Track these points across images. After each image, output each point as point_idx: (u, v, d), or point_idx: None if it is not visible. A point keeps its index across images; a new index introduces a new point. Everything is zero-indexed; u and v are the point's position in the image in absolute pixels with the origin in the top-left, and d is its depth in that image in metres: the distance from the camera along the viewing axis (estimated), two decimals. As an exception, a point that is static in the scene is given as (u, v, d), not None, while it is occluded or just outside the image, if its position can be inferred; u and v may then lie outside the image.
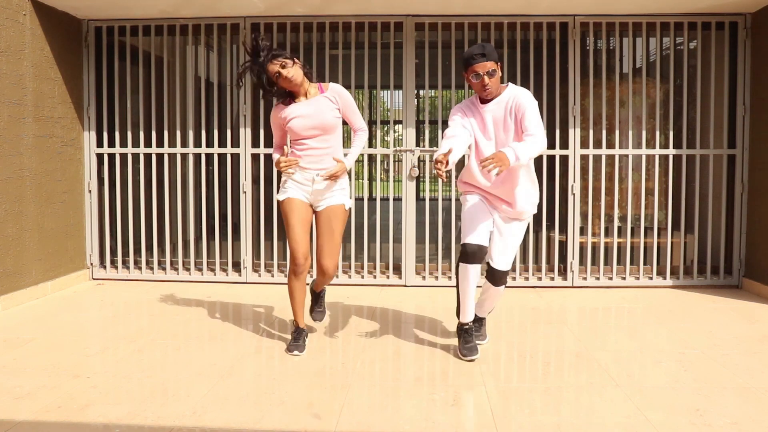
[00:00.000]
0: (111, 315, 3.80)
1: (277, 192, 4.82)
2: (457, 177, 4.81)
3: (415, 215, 4.76)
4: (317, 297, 3.38)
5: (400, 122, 5.21)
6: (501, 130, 2.84)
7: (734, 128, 4.58)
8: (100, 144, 4.82)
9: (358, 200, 7.25)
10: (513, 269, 4.75)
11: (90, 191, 4.81)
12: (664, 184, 4.78)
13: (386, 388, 2.59)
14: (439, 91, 4.86)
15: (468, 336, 3.00)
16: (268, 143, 4.78)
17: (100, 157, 4.84)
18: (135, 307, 4.01)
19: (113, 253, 4.98)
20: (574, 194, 4.61)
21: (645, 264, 4.77)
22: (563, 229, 4.76)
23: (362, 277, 4.76)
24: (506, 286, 4.66)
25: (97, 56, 4.78)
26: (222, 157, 5.26)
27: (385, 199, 5.14)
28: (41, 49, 4.24)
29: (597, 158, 4.67)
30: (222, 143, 5.11)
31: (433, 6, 4.36)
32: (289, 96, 3.02)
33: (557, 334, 3.40)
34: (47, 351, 3.05)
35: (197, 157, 4.96)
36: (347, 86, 6.09)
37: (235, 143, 4.82)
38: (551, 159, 4.71)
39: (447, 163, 2.59)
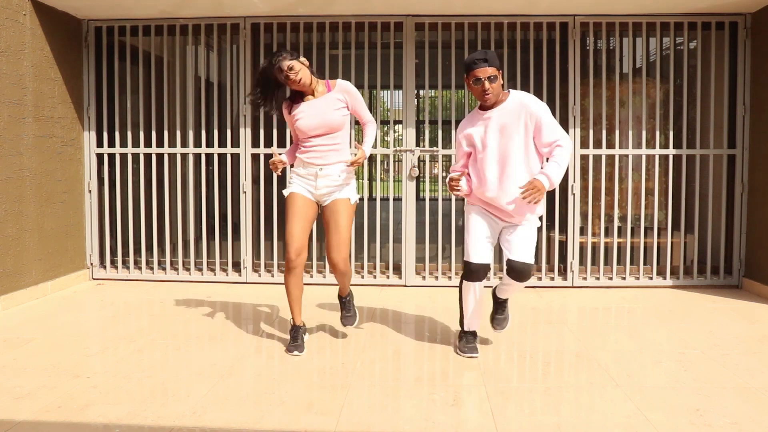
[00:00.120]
0: (111, 315, 3.80)
1: (277, 190, 4.83)
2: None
3: (415, 215, 4.76)
4: (343, 302, 3.31)
5: (400, 122, 5.21)
6: (504, 137, 2.80)
7: (734, 128, 4.58)
8: (100, 144, 4.82)
9: (359, 200, 7.24)
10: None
11: (90, 191, 4.81)
12: (664, 184, 4.78)
13: (386, 388, 2.59)
14: (439, 91, 4.86)
15: (471, 337, 3.03)
16: (268, 143, 4.78)
17: (100, 157, 4.84)
18: (135, 307, 4.01)
19: (113, 253, 4.99)
20: (574, 194, 4.61)
21: (645, 264, 4.77)
22: (563, 229, 4.76)
23: (362, 277, 4.76)
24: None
25: (97, 56, 4.78)
26: (222, 157, 5.26)
27: (385, 199, 5.13)
28: (41, 49, 4.24)
29: (597, 158, 4.67)
30: (222, 143, 5.11)
31: (433, 6, 4.36)
32: (298, 95, 3.04)
33: (557, 334, 3.40)
34: (47, 351, 3.05)
35: (197, 157, 4.96)
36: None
37: (235, 143, 4.82)
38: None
39: (458, 186, 2.92)
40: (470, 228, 2.93)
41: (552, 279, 4.67)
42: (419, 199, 5.27)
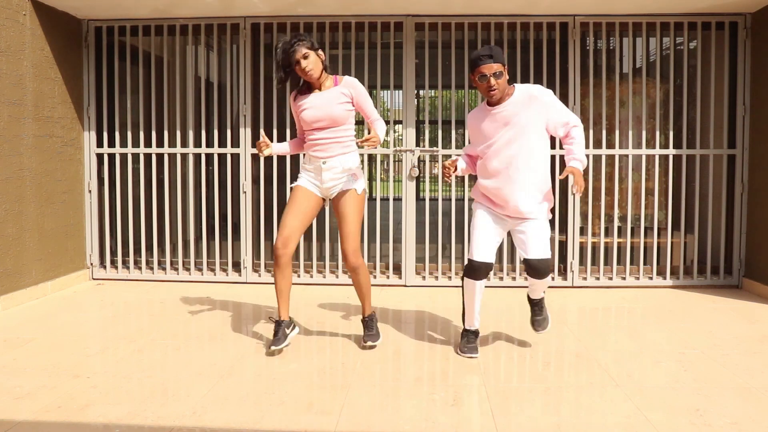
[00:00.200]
0: (111, 315, 3.80)
1: (277, 190, 4.83)
2: (460, 179, 4.81)
3: (415, 215, 4.76)
4: (364, 322, 3.20)
5: (400, 122, 5.21)
6: (513, 131, 2.80)
7: (734, 128, 4.58)
8: (100, 144, 4.82)
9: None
10: (509, 268, 4.76)
11: (90, 191, 4.81)
12: (664, 184, 4.78)
13: (386, 388, 2.59)
14: (439, 91, 4.86)
15: (472, 336, 3.03)
16: (268, 143, 4.77)
17: (100, 157, 4.84)
18: (135, 307, 4.01)
19: (113, 253, 4.99)
20: (573, 194, 4.61)
21: (645, 264, 4.77)
22: (563, 229, 4.76)
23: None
24: (508, 286, 4.67)
25: (97, 56, 4.78)
26: (222, 157, 5.26)
27: (385, 199, 5.13)
28: (41, 49, 4.24)
29: (597, 158, 4.67)
30: (222, 143, 5.11)
31: (433, 6, 4.36)
32: (305, 85, 3.05)
33: (557, 334, 3.40)
34: (47, 351, 3.05)
35: (197, 157, 4.96)
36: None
37: (235, 143, 4.82)
38: (551, 159, 4.71)
39: (455, 168, 2.98)
40: (476, 226, 2.94)
41: (552, 279, 4.67)
42: (419, 199, 5.27)
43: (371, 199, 4.99)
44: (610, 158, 4.71)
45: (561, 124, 2.82)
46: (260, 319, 3.69)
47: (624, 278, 4.68)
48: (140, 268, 4.88)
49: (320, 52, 2.98)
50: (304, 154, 3.16)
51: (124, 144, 4.88)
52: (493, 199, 2.90)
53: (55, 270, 4.43)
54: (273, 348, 2.97)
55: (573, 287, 4.63)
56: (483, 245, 2.89)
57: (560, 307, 4.07)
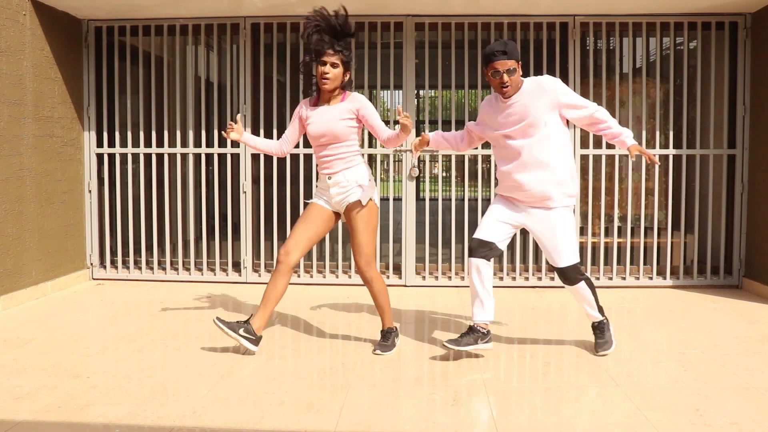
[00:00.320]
0: (111, 315, 3.80)
1: (277, 190, 4.83)
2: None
3: (415, 215, 4.76)
4: (382, 333, 3.14)
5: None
6: (526, 121, 2.81)
7: (734, 128, 4.58)
8: (100, 144, 4.82)
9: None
10: (509, 268, 4.75)
11: (90, 191, 4.81)
12: (664, 184, 4.78)
13: (386, 388, 2.59)
14: (439, 91, 4.86)
15: (468, 331, 2.90)
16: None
17: (100, 157, 4.84)
18: (135, 307, 4.01)
19: (113, 253, 4.98)
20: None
21: (645, 264, 4.77)
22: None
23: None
24: (508, 286, 4.66)
25: (97, 56, 4.78)
26: (222, 157, 5.26)
27: (384, 199, 5.13)
28: (41, 49, 4.24)
29: (597, 158, 4.67)
30: (222, 143, 5.11)
31: (433, 6, 4.36)
32: (317, 95, 3.04)
33: (557, 334, 3.40)
34: (47, 351, 3.05)
35: (197, 157, 4.96)
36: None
37: (235, 143, 4.81)
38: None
39: (427, 143, 3.12)
40: (486, 212, 2.99)
41: (552, 279, 4.67)
42: (419, 199, 5.27)
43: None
44: (610, 158, 4.71)
45: (576, 109, 2.82)
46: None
47: (624, 278, 4.68)
48: (140, 268, 4.88)
49: (348, 73, 2.97)
50: (318, 175, 3.14)
51: (124, 144, 4.88)
52: (512, 185, 2.91)
53: (55, 270, 4.43)
54: (216, 318, 2.88)
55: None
56: (484, 225, 2.93)
57: (560, 307, 4.06)
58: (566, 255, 2.88)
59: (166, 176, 4.90)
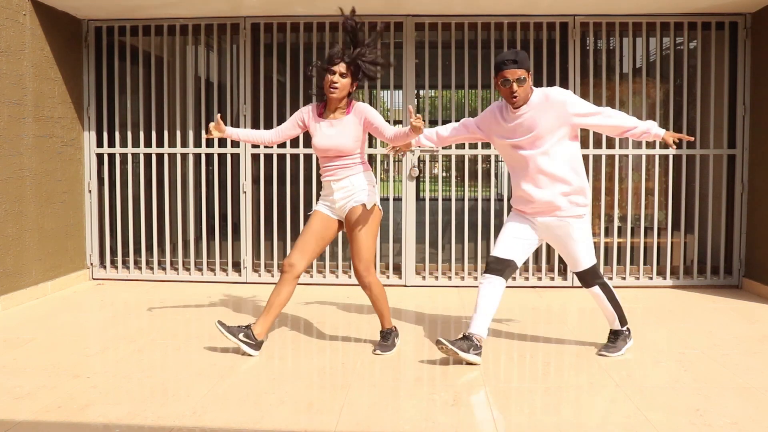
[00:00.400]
0: (111, 315, 3.80)
1: (277, 190, 4.83)
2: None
3: (415, 215, 4.76)
4: (381, 334, 3.14)
5: (400, 122, 5.21)
6: (536, 132, 2.80)
7: (734, 128, 4.58)
8: (100, 144, 4.82)
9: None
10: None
11: (90, 191, 4.81)
12: (664, 184, 4.78)
13: (386, 388, 2.59)
14: (439, 91, 4.87)
15: (464, 338, 2.86)
16: (268, 143, 4.77)
17: (100, 157, 4.84)
18: (135, 307, 4.01)
19: (113, 253, 4.98)
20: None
21: (645, 264, 4.77)
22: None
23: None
24: (508, 286, 4.67)
25: (97, 56, 4.78)
26: (222, 157, 5.26)
27: (384, 199, 5.13)
28: (41, 49, 4.24)
29: (597, 158, 4.67)
30: (222, 143, 5.11)
31: (433, 6, 4.36)
32: (323, 103, 3.02)
33: (557, 334, 3.40)
34: (47, 351, 3.05)
35: (197, 157, 4.96)
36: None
37: (235, 143, 4.81)
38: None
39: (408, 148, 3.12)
40: (502, 229, 2.99)
41: (552, 279, 4.68)
42: (419, 199, 5.27)
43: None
44: (610, 158, 4.71)
45: (589, 117, 2.80)
46: (260, 319, 3.69)
47: (624, 278, 4.68)
48: (140, 268, 4.88)
49: (356, 84, 2.97)
50: (320, 182, 3.13)
51: (124, 144, 4.88)
52: (521, 195, 2.92)
53: (55, 270, 4.43)
54: (218, 322, 2.91)
55: (573, 287, 4.63)
56: (500, 243, 2.93)
57: (560, 307, 4.06)
58: (582, 261, 2.93)
59: (166, 176, 4.90)
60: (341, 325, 3.59)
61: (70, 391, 2.52)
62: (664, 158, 4.72)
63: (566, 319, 3.73)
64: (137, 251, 4.94)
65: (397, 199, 4.96)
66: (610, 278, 4.67)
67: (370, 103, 6.16)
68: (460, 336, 2.90)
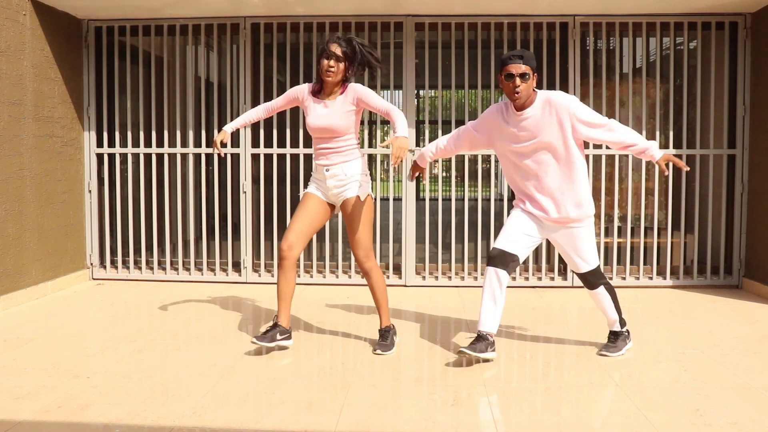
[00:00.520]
0: (111, 315, 3.80)
1: (277, 190, 4.83)
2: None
3: (415, 215, 4.76)
4: (380, 333, 3.15)
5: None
6: (539, 136, 2.79)
7: (734, 128, 4.58)
8: (100, 144, 4.82)
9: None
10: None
11: (90, 191, 4.81)
12: (664, 184, 4.78)
13: (386, 388, 2.59)
14: (439, 91, 4.86)
15: (476, 339, 2.86)
16: (268, 143, 4.78)
17: (100, 157, 4.84)
18: (135, 307, 4.01)
19: (113, 253, 4.98)
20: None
21: (645, 264, 4.77)
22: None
23: (362, 277, 4.76)
24: (508, 286, 4.67)
25: (97, 56, 4.78)
26: (222, 157, 5.26)
27: (385, 199, 5.13)
28: (41, 49, 4.24)
29: (597, 158, 4.67)
30: (222, 143, 5.10)
31: (433, 6, 4.36)
32: (319, 85, 3.05)
33: (557, 334, 3.40)
34: (47, 351, 3.05)
35: (197, 157, 4.96)
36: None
37: (235, 143, 4.82)
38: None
39: (423, 171, 3.24)
40: (506, 222, 2.97)
41: (552, 279, 4.68)
42: (419, 199, 5.27)
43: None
44: (610, 158, 4.71)
45: (594, 128, 2.79)
46: (260, 319, 3.69)
47: (624, 278, 4.68)
48: (140, 268, 4.88)
49: (351, 69, 2.98)
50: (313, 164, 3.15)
51: (124, 144, 4.88)
52: (529, 202, 2.92)
53: (55, 270, 4.43)
54: (254, 340, 2.92)
55: (573, 287, 4.63)
56: (505, 235, 2.90)
57: (560, 307, 4.07)
58: (589, 261, 2.93)
59: (166, 176, 4.90)
60: (341, 325, 3.59)
61: (70, 391, 2.52)
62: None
63: (566, 319, 3.73)
64: (137, 251, 4.94)
65: (397, 199, 4.96)
66: (610, 278, 4.67)
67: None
68: (475, 337, 2.90)
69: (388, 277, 4.75)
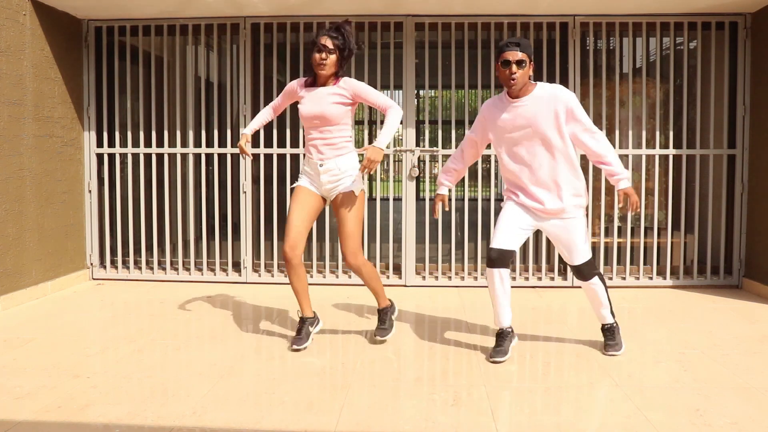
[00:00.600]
0: (111, 315, 3.80)
1: (277, 190, 4.83)
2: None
3: (415, 215, 4.75)
4: (379, 313, 3.27)
5: (400, 122, 5.20)
6: (533, 125, 2.79)
7: (734, 128, 4.58)
8: (100, 144, 4.82)
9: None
10: (514, 269, 4.75)
11: (90, 191, 4.81)
12: (664, 184, 4.78)
13: (386, 388, 2.59)
14: (439, 91, 4.86)
15: (500, 339, 2.96)
16: (268, 143, 4.78)
17: (100, 157, 4.84)
18: (135, 307, 4.01)
19: (113, 253, 4.98)
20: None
21: (645, 264, 4.77)
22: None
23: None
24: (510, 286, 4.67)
25: (97, 56, 4.78)
26: (222, 157, 5.26)
27: (385, 199, 5.13)
28: (41, 49, 4.24)
29: (597, 158, 4.67)
30: (222, 143, 5.11)
31: (433, 6, 4.36)
32: (313, 78, 3.08)
33: (557, 334, 3.40)
34: (47, 351, 3.05)
35: (197, 157, 4.97)
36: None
37: (235, 143, 4.82)
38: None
39: (445, 203, 3.16)
40: (500, 216, 2.96)
41: (552, 279, 4.68)
42: (419, 199, 5.27)
43: (371, 199, 4.98)
44: (610, 158, 4.70)
45: (583, 129, 2.81)
46: (260, 319, 3.69)
47: (624, 278, 4.68)
48: (140, 268, 4.88)
49: (344, 61, 3.01)
50: (304, 155, 3.18)
51: (124, 144, 4.88)
52: (521, 192, 2.92)
53: (55, 270, 4.43)
54: (294, 347, 3.04)
55: (573, 287, 4.63)
56: (501, 233, 2.90)
57: (560, 307, 4.07)
58: (581, 253, 2.92)
59: (166, 176, 4.90)
60: (341, 325, 3.59)
61: (70, 391, 2.52)
62: (664, 158, 4.73)
63: (566, 319, 3.73)
64: (137, 251, 4.94)
65: (397, 199, 4.96)
66: (610, 278, 4.67)
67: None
68: (498, 339, 2.97)
69: (387, 277, 4.75)
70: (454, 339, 3.29)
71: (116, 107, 4.88)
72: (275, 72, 5.01)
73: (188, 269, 4.89)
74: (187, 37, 4.79)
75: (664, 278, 4.66)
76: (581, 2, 4.25)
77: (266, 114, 3.25)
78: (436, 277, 4.74)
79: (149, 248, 5.01)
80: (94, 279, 4.86)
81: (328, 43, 2.94)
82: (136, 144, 4.87)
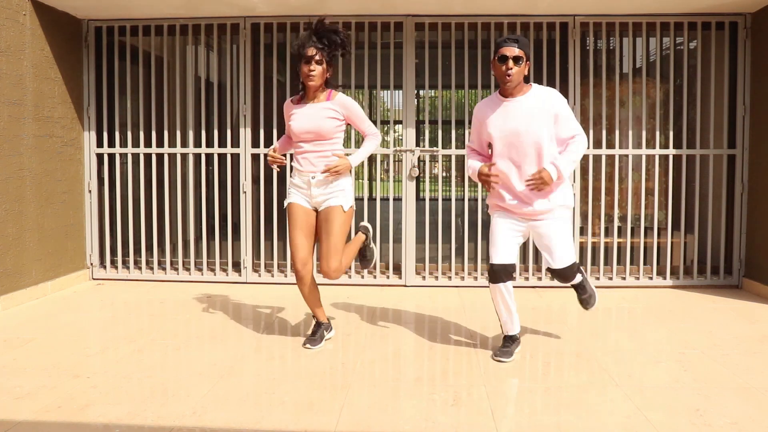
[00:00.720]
0: (111, 315, 3.80)
1: (277, 190, 4.83)
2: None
3: (415, 215, 4.76)
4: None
5: (400, 122, 5.21)
6: (524, 125, 2.79)
7: (734, 128, 4.58)
8: (100, 144, 4.82)
9: (358, 200, 7.23)
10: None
11: (90, 191, 4.81)
12: (664, 184, 4.78)
13: (386, 388, 2.59)
14: (439, 91, 4.86)
15: (508, 341, 3.01)
16: (268, 143, 4.78)
17: (100, 157, 4.84)
18: (135, 307, 4.01)
19: (113, 253, 4.98)
20: (574, 194, 4.60)
21: (645, 264, 4.77)
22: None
23: (362, 277, 4.76)
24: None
25: (97, 56, 4.78)
26: (222, 157, 5.26)
27: (385, 199, 5.13)
28: (41, 49, 4.24)
29: (597, 158, 4.67)
30: (222, 143, 5.11)
31: (433, 6, 4.36)
32: (302, 92, 3.08)
33: (557, 334, 3.40)
34: (47, 351, 3.05)
35: (197, 157, 4.96)
36: (347, 86, 6.10)
37: (235, 143, 4.82)
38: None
39: (492, 176, 2.88)
40: (493, 231, 2.95)
41: (552, 279, 4.67)
42: (419, 199, 5.27)
43: (371, 200, 4.99)
44: (610, 158, 4.71)
45: (567, 128, 2.84)
46: (260, 319, 3.69)
47: (624, 278, 4.68)
48: (140, 268, 4.88)
49: (331, 71, 3.03)
50: (292, 168, 3.17)
51: (124, 144, 4.88)
52: (507, 193, 2.90)
53: (55, 270, 4.43)
54: (308, 346, 3.10)
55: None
56: (500, 248, 2.90)
57: (560, 307, 4.07)
58: (565, 257, 2.91)
59: (166, 176, 4.90)
60: (341, 325, 3.59)
61: (70, 391, 2.52)
62: (664, 158, 4.73)
63: (566, 319, 3.73)
64: (137, 251, 4.94)
65: (397, 199, 4.96)
66: (610, 278, 4.67)
67: (370, 104, 6.16)
68: (506, 343, 3.01)
69: (387, 277, 4.75)
70: (454, 339, 3.29)
71: (116, 107, 4.88)
72: (275, 72, 5.01)
73: (188, 269, 4.89)
74: (187, 37, 4.79)
75: (664, 278, 4.66)
76: (581, 2, 4.25)
77: (286, 143, 3.25)
78: (436, 277, 4.74)
79: (149, 248, 5.01)
80: (94, 279, 4.86)
81: (314, 53, 2.93)
82: (136, 144, 4.87)
